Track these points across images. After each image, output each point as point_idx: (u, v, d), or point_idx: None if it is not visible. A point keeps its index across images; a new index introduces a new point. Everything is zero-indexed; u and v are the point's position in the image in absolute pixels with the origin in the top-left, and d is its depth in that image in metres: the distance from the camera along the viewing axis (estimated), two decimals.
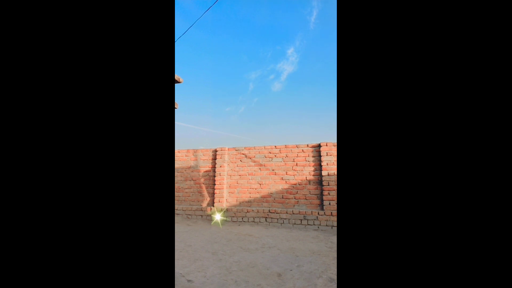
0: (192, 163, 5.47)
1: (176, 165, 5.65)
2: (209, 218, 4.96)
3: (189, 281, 2.22)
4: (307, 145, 4.62)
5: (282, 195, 4.63)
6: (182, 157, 5.58)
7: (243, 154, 5.03)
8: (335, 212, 4.16)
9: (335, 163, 4.36)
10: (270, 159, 4.82)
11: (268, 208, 4.59)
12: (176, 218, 5.17)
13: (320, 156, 4.47)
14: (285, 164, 4.70)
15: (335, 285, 2.13)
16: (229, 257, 2.83)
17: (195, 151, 5.49)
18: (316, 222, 4.21)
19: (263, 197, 4.77)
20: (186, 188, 5.43)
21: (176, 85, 3.97)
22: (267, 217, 4.54)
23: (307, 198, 4.47)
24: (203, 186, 5.28)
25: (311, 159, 4.55)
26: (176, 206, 5.37)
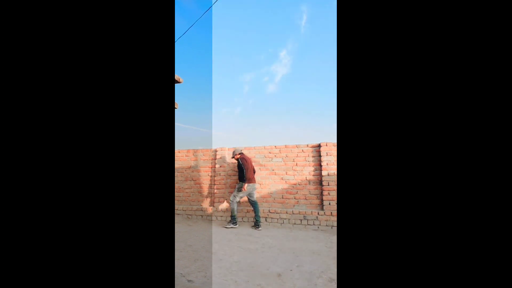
0: (192, 163, 5.47)
1: (176, 165, 5.65)
2: (209, 218, 4.96)
3: (189, 281, 2.22)
4: (307, 145, 4.62)
5: (282, 195, 4.63)
6: (182, 157, 5.58)
7: None
8: (335, 212, 4.16)
9: (335, 163, 4.35)
10: (270, 159, 4.82)
11: (268, 208, 4.59)
12: (177, 218, 5.17)
13: (320, 156, 4.47)
14: (285, 164, 4.70)
15: (335, 285, 2.13)
16: (229, 257, 2.83)
17: (195, 151, 5.49)
18: (316, 222, 4.21)
19: (263, 197, 4.77)
20: (186, 188, 5.43)
21: (176, 85, 3.97)
22: (267, 217, 4.54)
23: (307, 198, 4.47)
24: (204, 186, 5.28)
25: (311, 159, 4.55)
26: (176, 206, 5.36)
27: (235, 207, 4.34)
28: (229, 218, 4.70)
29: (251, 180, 4.26)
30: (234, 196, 4.34)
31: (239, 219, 4.67)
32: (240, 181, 4.32)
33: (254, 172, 4.49)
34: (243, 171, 4.22)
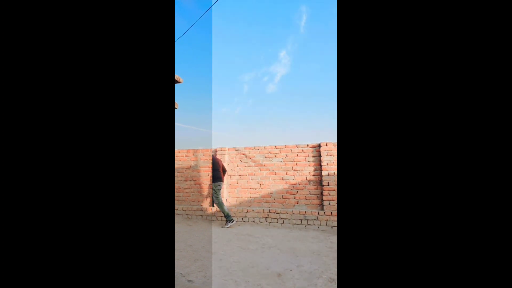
0: (192, 163, 5.47)
1: (176, 165, 5.65)
2: (209, 218, 4.96)
3: (189, 281, 2.22)
4: (307, 145, 4.62)
5: (282, 195, 4.63)
6: (182, 157, 5.58)
7: (243, 154, 5.03)
8: (335, 212, 4.16)
9: (335, 163, 4.35)
10: (270, 159, 4.82)
11: (268, 208, 4.59)
12: (177, 218, 5.17)
13: (320, 156, 4.47)
14: (285, 164, 4.70)
15: (335, 285, 2.13)
16: (229, 257, 2.83)
17: (195, 151, 5.49)
18: (316, 222, 4.21)
19: (263, 197, 4.77)
20: (186, 188, 5.43)
21: (176, 85, 3.97)
22: (267, 217, 4.54)
23: (307, 198, 4.47)
24: (204, 186, 5.28)
25: (311, 159, 4.55)
26: (176, 206, 5.36)
27: (224, 207, 4.47)
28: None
29: (219, 179, 4.65)
30: (216, 197, 4.52)
31: (239, 219, 4.67)
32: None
33: (225, 171, 4.80)
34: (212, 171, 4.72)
